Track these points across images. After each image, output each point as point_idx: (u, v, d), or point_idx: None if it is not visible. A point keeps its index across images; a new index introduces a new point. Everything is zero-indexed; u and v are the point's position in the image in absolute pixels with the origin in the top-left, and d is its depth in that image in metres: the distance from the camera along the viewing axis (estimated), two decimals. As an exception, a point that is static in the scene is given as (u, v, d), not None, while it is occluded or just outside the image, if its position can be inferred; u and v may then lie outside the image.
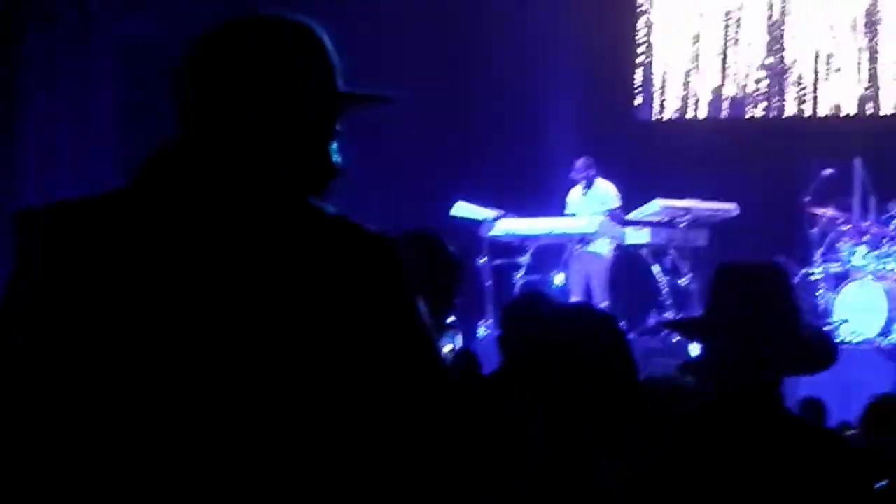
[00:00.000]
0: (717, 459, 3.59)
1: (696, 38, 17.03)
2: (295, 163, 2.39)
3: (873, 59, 16.14)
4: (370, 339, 2.31)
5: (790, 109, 16.53)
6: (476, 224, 14.48)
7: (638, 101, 17.24)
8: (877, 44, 16.18)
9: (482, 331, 13.83)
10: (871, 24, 16.21)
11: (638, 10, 17.31)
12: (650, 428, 3.63)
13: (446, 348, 4.88)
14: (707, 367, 4.05)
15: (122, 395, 2.28)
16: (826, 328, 13.14)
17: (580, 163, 14.77)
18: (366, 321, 2.31)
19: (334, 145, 2.45)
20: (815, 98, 16.44)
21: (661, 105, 17.16)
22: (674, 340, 11.97)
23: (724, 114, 16.87)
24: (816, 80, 16.44)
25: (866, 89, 16.18)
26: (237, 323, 2.28)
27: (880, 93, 16.11)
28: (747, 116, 16.76)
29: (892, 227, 13.86)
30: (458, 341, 5.76)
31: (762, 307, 3.78)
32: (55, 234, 2.35)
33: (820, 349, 3.99)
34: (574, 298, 14.40)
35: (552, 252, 14.52)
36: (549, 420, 3.62)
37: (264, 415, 2.27)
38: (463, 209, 14.48)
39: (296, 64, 2.41)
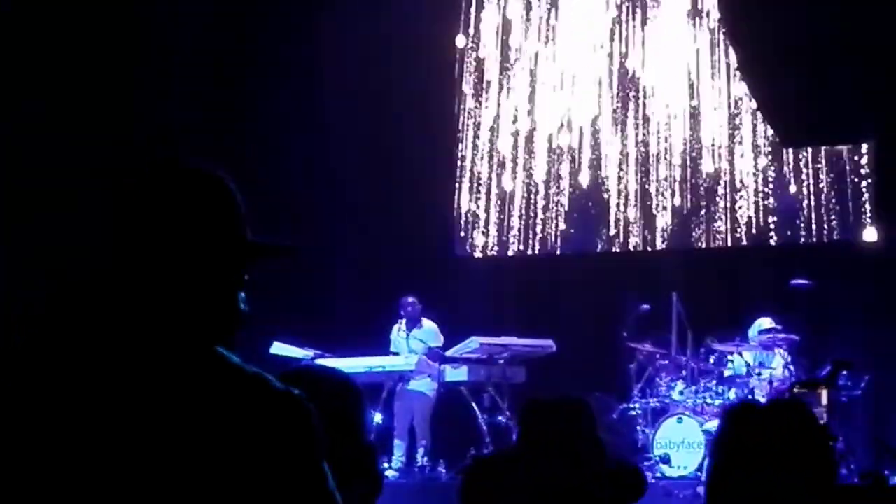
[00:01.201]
0: None
1: (512, 175, 17.20)
2: (203, 310, 2.42)
3: (694, 192, 16.43)
4: (272, 495, 2.30)
5: (607, 245, 16.70)
6: (294, 364, 14.25)
7: (457, 238, 17.30)
8: (691, 178, 16.48)
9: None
10: (685, 160, 16.53)
11: (457, 149, 17.45)
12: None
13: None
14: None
15: None
16: (646, 463, 13.19)
17: (404, 301, 14.73)
18: (269, 476, 2.30)
19: (241, 294, 2.50)
20: (630, 233, 16.64)
21: (480, 242, 17.22)
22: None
23: (541, 250, 16.99)
24: (632, 216, 16.66)
25: (681, 224, 16.44)
26: (137, 476, 2.26)
27: (689, 228, 16.37)
28: (564, 253, 16.89)
29: (710, 361, 14.02)
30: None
31: (565, 440, 3.74)
32: None
33: (626, 482, 3.95)
34: (397, 436, 14.35)
35: (371, 391, 14.36)
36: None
37: None
38: (280, 349, 14.30)
39: (206, 215, 2.46)
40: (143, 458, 2.25)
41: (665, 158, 16.64)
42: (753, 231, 16.10)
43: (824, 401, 3.19)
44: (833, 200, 15.76)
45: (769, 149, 16.09)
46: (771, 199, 16.05)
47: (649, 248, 16.53)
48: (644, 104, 16.78)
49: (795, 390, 3.51)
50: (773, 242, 16.01)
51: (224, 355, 2.39)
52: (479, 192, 17.37)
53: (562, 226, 16.95)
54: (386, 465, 13.86)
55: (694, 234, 16.37)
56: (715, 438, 3.68)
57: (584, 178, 16.94)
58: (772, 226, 16.00)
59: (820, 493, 3.44)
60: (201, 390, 2.31)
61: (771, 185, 16.08)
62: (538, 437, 3.89)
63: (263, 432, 2.29)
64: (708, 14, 16.55)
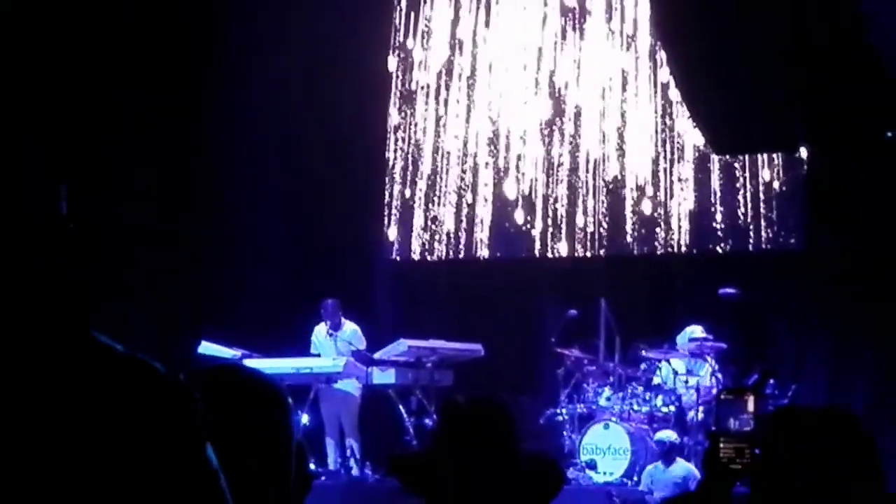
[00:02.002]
0: None
1: (441, 179, 17.18)
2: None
3: (622, 199, 16.46)
4: (152, 483, 2.18)
5: (537, 251, 16.69)
6: (222, 362, 14.16)
7: (384, 241, 17.25)
8: (620, 186, 16.52)
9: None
10: (614, 168, 16.56)
11: (388, 149, 17.42)
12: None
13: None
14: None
15: None
16: (572, 469, 13.20)
17: (327, 303, 14.68)
18: (150, 463, 2.18)
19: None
20: (559, 239, 16.65)
21: (408, 245, 17.19)
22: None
23: (470, 254, 16.97)
24: (561, 221, 16.66)
25: (610, 231, 16.46)
26: (15, 461, 2.13)
27: (619, 234, 16.39)
28: (493, 257, 16.87)
29: (640, 368, 14.05)
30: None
31: (478, 441, 3.73)
32: None
33: (544, 476, 3.92)
34: (328, 436, 14.30)
35: (297, 392, 14.29)
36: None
37: None
38: (208, 348, 14.21)
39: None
40: (17, 442, 2.14)
41: (593, 166, 16.64)
42: (682, 239, 16.14)
43: (751, 407, 3.18)
44: (763, 209, 15.82)
45: (698, 157, 16.13)
46: (700, 208, 16.08)
47: (578, 255, 16.52)
48: (575, 113, 16.78)
49: (722, 396, 3.51)
50: (701, 251, 16.04)
51: (107, 342, 2.24)
52: (409, 196, 17.32)
53: (490, 231, 16.92)
54: (312, 465, 13.79)
55: (623, 241, 16.38)
56: (763, 440, 3.64)
57: (514, 185, 16.91)
58: (701, 234, 16.04)
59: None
60: (80, 377, 2.18)
61: (700, 194, 16.12)
62: (455, 435, 3.85)
63: (145, 413, 2.17)
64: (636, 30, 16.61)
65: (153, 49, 15.69)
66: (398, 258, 17.25)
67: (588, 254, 16.49)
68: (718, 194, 16.03)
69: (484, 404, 4.05)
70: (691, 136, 15.98)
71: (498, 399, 4.20)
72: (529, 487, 3.95)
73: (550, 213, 16.73)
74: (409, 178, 17.38)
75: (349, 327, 14.77)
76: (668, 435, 12.94)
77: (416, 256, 17.18)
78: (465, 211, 17.06)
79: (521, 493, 3.91)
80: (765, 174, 15.88)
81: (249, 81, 16.08)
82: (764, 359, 14.04)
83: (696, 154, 16.16)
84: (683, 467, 12.69)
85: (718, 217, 15.98)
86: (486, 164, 17.07)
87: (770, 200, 15.82)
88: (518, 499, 3.93)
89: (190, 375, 2.36)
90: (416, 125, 17.49)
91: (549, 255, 16.65)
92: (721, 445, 3.78)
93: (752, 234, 15.86)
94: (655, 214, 16.26)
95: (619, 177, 16.53)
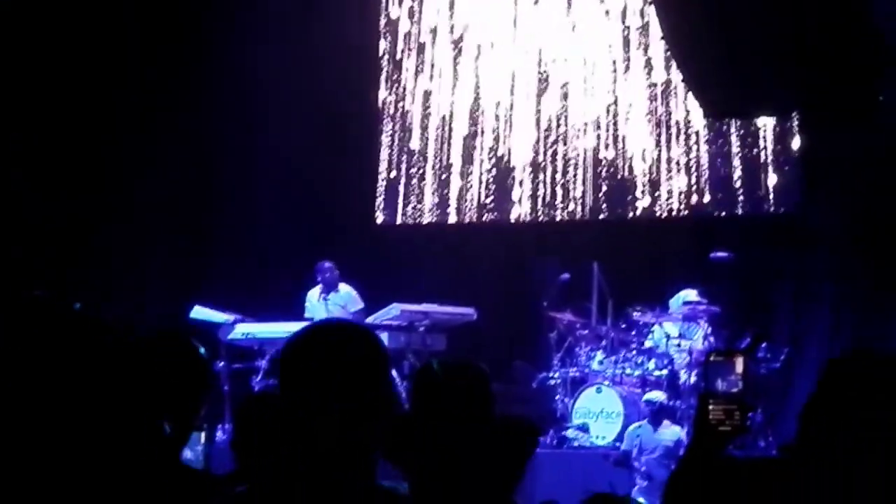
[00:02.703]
0: None
1: (435, 143, 17.14)
2: None
3: (612, 165, 16.43)
4: None
5: (529, 214, 16.66)
6: (214, 327, 14.18)
7: (377, 205, 17.21)
8: (614, 150, 16.48)
9: (219, 434, 13.49)
10: (608, 131, 16.54)
11: (383, 114, 17.37)
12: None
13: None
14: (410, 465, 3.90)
15: None
16: (564, 433, 13.23)
17: (323, 265, 14.66)
18: None
19: None
20: (554, 202, 16.61)
21: (401, 210, 17.15)
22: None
23: (462, 218, 16.94)
24: (555, 184, 16.63)
25: (604, 194, 16.43)
26: None
27: (618, 197, 16.36)
28: (486, 220, 16.84)
29: (632, 332, 14.05)
30: (201, 441, 5.58)
31: (453, 407, 3.73)
32: None
33: (513, 447, 3.93)
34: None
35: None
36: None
37: None
38: (201, 313, 14.21)
39: None
40: None
41: (585, 132, 16.61)
42: (675, 203, 16.11)
43: (739, 369, 3.18)
44: (756, 173, 15.79)
45: (693, 121, 16.09)
46: (694, 172, 16.05)
47: (571, 219, 16.49)
48: (567, 81, 16.75)
49: (711, 358, 3.52)
50: (694, 215, 16.02)
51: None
52: (401, 160, 17.28)
53: (484, 195, 16.88)
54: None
55: (616, 205, 16.35)
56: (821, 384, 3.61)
57: (507, 148, 16.87)
58: (694, 198, 16.02)
59: None
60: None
61: (693, 159, 16.09)
62: (430, 401, 3.84)
63: None
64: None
65: (152, 27, 15.76)
66: (392, 222, 17.21)
67: (581, 218, 16.45)
68: (711, 159, 15.99)
69: (458, 370, 4.03)
70: (687, 101, 15.93)
71: (473, 364, 4.18)
72: (503, 452, 3.94)
73: (543, 178, 16.68)
74: (400, 144, 17.32)
75: (344, 289, 14.76)
76: (657, 395, 12.93)
77: (409, 221, 17.14)
78: (458, 176, 17.01)
79: (494, 458, 3.90)
80: (759, 139, 15.85)
81: (245, 56, 16.04)
82: (756, 323, 14.03)
83: (690, 120, 16.12)
84: (674, 432, 12.68)
85: (712, 182, 15.95)
86: (480, 129, 17.02)
87: (763, 165, 15.79)
88: (491, 463, 3.92)
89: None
90: (406, 94, 17.42)
91: (542, 219, 16.62)
92: (710, 407, 3.76)
93: (744, 198, 15.83)
94: (649, 179, 16.22)
95: (612, 142, 16.49)
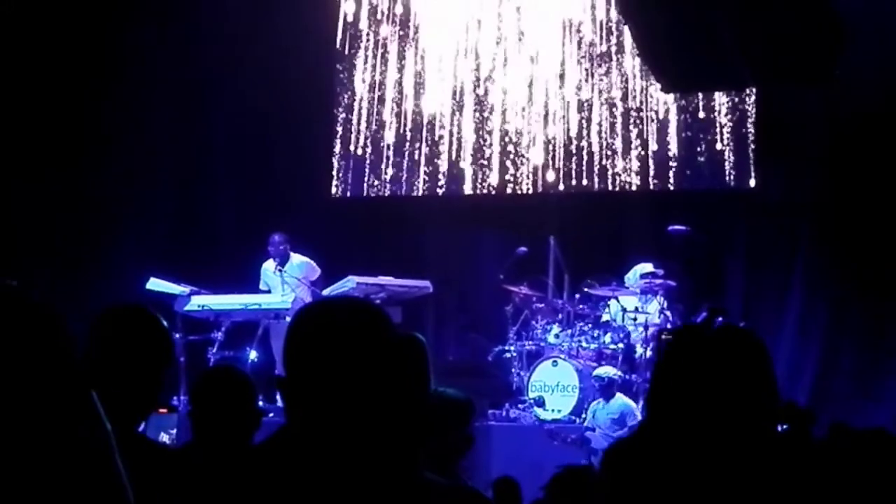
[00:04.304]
0: None
1: (392, 116, 17.08)
2: None
3: (568, 140, 16.40)
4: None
5: (486, 187, 16.63)
6: (170, 299, 14.10)
7: (332, 177, 17.13)
8: (572, 123, 16.46)
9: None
10: (564, 102, 16.51)
11: (338, 87, 17.28)
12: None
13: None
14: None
15: None
16: (520, 406, 13.23)
17: (273, 238, 14.60)
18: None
19: None
20: (510, 176, 16.58)
21: (358, 182, 17.08)
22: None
23: (418, 192, 16.89)
24: (511, 158, 16.61)
25: (561, 169, 16.41)
26: None
27: (574, 171, 16.34)
28: (441, 194, 16.79)
29: (587, 305, 14.05)
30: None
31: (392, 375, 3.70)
32: None
33: (447, 420, 3.92)
34: (279, 373, 14.21)
35: (247, 328, 14.26)
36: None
37: None
38: (157, 284, 14.12)
39: None
40: None
41: (544, 104, 16.58)
42: (632, 177, 16.11)
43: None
44: (714, 147, 15.81)
45: (650, 96, 16.09)
46: (651, 146, 16.05)
47: (527, 192, 16.47)
48: (528, 55, 16.70)
49: (663, 337, 3.50)
50: (652, 189, 16.02)
51: None
52: (357, 133, 17.19)
53: (440, 168, 16.83)
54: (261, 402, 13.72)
55: (573, 179, 16.33)
56: (657, 363, 3.60)
57: (463, 122, 16.83)
58: (651, 171, 16.02)
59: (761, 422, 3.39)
60: None
61: (650, 132, 16.08)
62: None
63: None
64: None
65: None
66: (347, 195, 17.14)
67: (538, 191, 16.42)
68: (668, 134, 16.00)
69: (402, 342, 4.00)
70: (645, 76, 15.92)
71: (413, 336, 4.15)
72: (435, 424, 3.92)
73: (500, 151, 16.65)
74: (356, 116, 17.24)
75: (297, 259, 14.69)
76: (607, 371, 12.98)
77: (365, 193, 17.07)
78: (415, 149, 16.96)
79: (430, 428, 3.88)
80: (715, 113, 15.86)
81: (200, 27, 15.95)
82: (712, 297, 14.06)
83: (647, 94, 16.11)
84: (620, 402, 12.73)
85: (669, 155, 15.95)
86: (437, 103, 16.96)
87: (719, 140, 15.80)
88: (428, 433, 3.90)
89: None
90: (362, 67, 17.33)
91: (498, 192, 16.59)
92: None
93: (703, 172, 15.86)
94: (606, 153, 16.21)
95: (571, 115, 16.46)
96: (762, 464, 3.33)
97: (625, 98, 16.26)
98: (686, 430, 3.38)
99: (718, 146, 15.77)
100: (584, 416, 13.03)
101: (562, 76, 16.51)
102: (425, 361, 3.91)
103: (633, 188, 16.06)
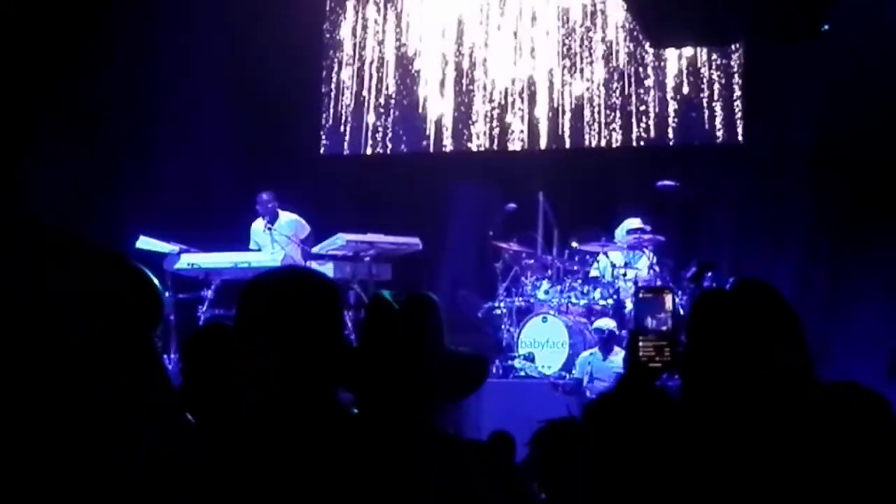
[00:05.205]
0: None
1: (381, 73, 17.06)
2: None
3: (558, 94, 16.39)
4: None
5: (474, 143, 16.63)
6: (160, 258, 14.12)
7: (321, 135, 17.13)
8: (560, 79, 16.45)
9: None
10: (556, 58, 16.50)
11: (326, 45, 17.25)
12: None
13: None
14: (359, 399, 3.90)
15: None
16: (510, 362, 13.26)
17: (261, 196, 14.63)
18: None
19: None
20: (499, 132, 16.58)
21: (347, 139, 17.08)
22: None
23: (407, 148, 16.88)
24: (500, 114, 16.60)
25: (549, 124, 16.41)
26: None
27: (562, 127, 16.34)
28: (432, 150, 16.79)
29: (575, 260, 14.07)
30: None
31: (406, 337, 3.75)
32: None
33: (462, 379, 3.96)
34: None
35: (236, 286, 14.24)
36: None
37: None
38: (146, 243, 14.15)
39: None
40: None
41: (534, 60, 16.56)
42: (620, 133, 16.11)
43: (668, 306, 3.18)
44: (701, 101, 15.81)
45: (636, 50, 16.07)
46: (638, 101, 16.04)
47: (516, 148, 16.48)
48: (515, 12, 16.68)
49: (641, 295, 3.50)
50: (640, 144, 16.03)
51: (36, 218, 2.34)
52: (349, 89, 17.18)
53: (429, 123, 16.83)
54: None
55: (561, 134, 16.34)
56: (688, 323, 3.63)
57: (453, 79, 16.81)
58: (641, 126, 16.02)
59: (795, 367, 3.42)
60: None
61: (638, 87, 16.08)
62: (385, 331, 3.84)
63: None
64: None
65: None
66: (336, 153, 17.13)
67: (526, 148, 16.43)
68: (657, 88, 15.99)
69: (413, 300, 4.03)
70: (633, 30, 15.90)
71: (427, 295, 4.18)
72: (451, 383, 3.95)
73: (489, 107, 16.65)
74: (345, 74, 17.22)
75: (286, 217, 14.72)
76: (607, 323, 13.00)
77: (354, 151, 17.07)
78: (403, 105, 16.95)
79: (442, 389, 3.92)
80: (703, 67, 15.86)
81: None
82: (702, 251, 14.08)
83: (636, 49, 16.10)
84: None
85: (657, 110, 15.95)
86: (427, 60, 16.94)
87: (708, 93, 15.80)
88: (445, 392, 3.94)
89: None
90: (350, 24, 17.30)
91: (486, 148, 16.59)
92: (640, 344, 3.77)
93: (690, 126, 15.86)
94: (594, 107, 16.21)
95: (558, 70, 16.45)
96: (804, 417, 3.36)
97: (613, 54, 16.24)
98: (724, 387, 3.42)
99: (705, 101, 15.78)
100: (574, 371, 13.05)
101: (557, 36, 16.49)
102: (438, 319, 3.95)
103: (622, 144, 16.06)
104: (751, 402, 3.37)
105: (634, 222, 13.97)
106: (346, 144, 17.07)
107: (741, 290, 3.68)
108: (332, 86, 17.20)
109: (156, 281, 4.25)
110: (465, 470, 3.44)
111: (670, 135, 15.93)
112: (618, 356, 12.72)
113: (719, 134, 15.74)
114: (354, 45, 17.23)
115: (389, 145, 16.95)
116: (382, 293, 4.04)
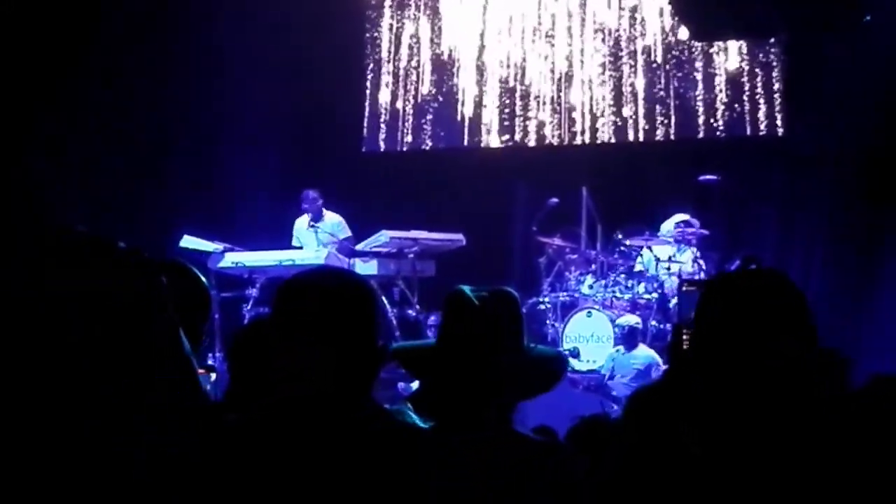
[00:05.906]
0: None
1: (423, 70, 17.08)
2: None
3: (600, 89, 16.37)
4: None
5: (518, 139, 16.62)
6: (204, 256, 14.19)
7: (365, 132, 17.16)
8: (604, 74, 16.42)
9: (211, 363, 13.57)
10: (597, 54, 16.47)
11: (367, 43, 17.29)
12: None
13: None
14: (428, 397, 3.88)
15: None
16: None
17: (307, 194, 14.66)
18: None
19: None
20: (540, 127, 16.57)
21: (389, 136, 17.10)
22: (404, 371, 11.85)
23: (450, 144, 16.89)
24: (539, 109, 16.59)
25: (589, 119, 16.39)
26: None
27: (600, 122, 16.31)
28: (474, 146, 16.80)
29: (619, 252, 14.08)
30: (210, 381, 5.61)
31: (488, 331, 3.72)
32: None
33: (546, 369, 3.93)
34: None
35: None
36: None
37: None
38: (191, 242, 14.21)
39: None
40: None
41: (577, 55, 16.55)
42: (663, 127, 16.07)
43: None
44: (742, 95, 15.75)
45: (680, 45, 16.03)
46: (681, 96, 16.00)
47: (560, 143, 16.46)
48: (552, 12, 16.66)
49: (684, 288, 3.50)
50: (682, 138, 15.98)
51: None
52: (390, 86, 17.21)
53: (471, 120, 16.83)
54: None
55: (605, 129, 16.31)
56: (696, 311, 3.61)
57: (497, 75, 16.82)
58: (682, 122, 15.97)
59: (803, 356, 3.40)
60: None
61: (680, 82, 16.03)
62: (465, 327, 3.80)
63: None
64: None
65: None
66: (379, 150, 17.16)
67: (570, 143, 16.41)
68: (699, 82, 15.94)
69: (493, 296, 3.98)
70: (676, 24, 15.87)
71: (508, 291, 4.13)
72: (533, 380, 3.94)
73: (533, 102, 16.64)
74: (388, 72, 17.25)
75: (330, 218, 14.76)
76: (628, 320, 13.02)
77: (398, 148, 17.10)
78: (446, 102, 16.95)
79: (525, 386, 3.91)
80: (746, 61, 15.80)
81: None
82: (745, 245, 14.04)
83: (678, 43, 16.06)
84: (646, 354, 12.75)
85: (700, 105, 15.90)
86: (471, 55, 16.95)
87: (751, 87, 15.74)
88: (522, 390, 3.93)
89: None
90: (393, 22, 17.33)
91: (531, 143, 16.59)
92: (684, 336, 3.77)
93: (732, 121, 15.80)
94: (636, 102, 16.18)
95: (600, 66, 16.43)
96: (801, 413, 3.35)
97: (654, 48, 16.20)
98: (725, 375, 3.41)
99: (747, 95, 15.72)
100: (602, 365, 13.05)
101: (598, 31, 16.48)
102: (518, 316, 3.91)
103: (666, 138, 16.03)
104: (759, 393, 3.36)
105: (683, 216, 13.98)
106: (389, 141, 17.09)
107: (753, 279, 3.65)
108: (375, 83, 17.22)
109: (201, 276, 4.30)
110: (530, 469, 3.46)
111: (712, 129, 15.86)
112: (641, 351, 12.74)
113: (762, 128, 15.68)
114: (396, 44, 17.24)
115: (430, 142, 16.97)
116: (462, 288, 3.99)
